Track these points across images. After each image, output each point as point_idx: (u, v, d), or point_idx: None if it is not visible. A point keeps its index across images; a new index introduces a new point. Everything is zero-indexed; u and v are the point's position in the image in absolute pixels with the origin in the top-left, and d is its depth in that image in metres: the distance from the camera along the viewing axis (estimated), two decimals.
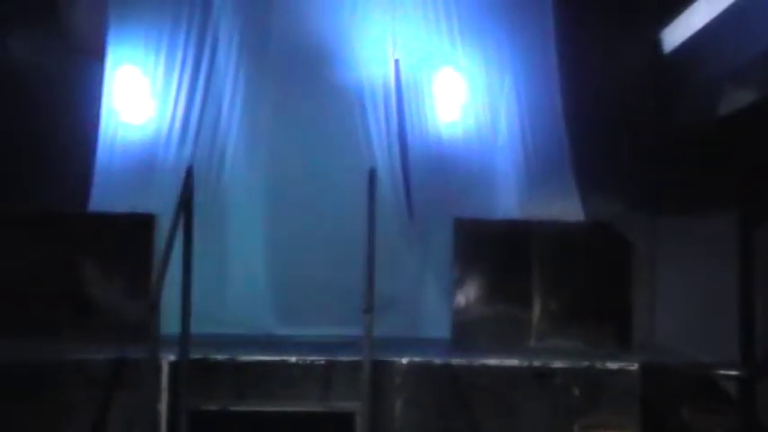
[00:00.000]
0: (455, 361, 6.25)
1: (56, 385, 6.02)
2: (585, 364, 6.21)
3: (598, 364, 6.20)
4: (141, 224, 7.04)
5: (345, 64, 7.87)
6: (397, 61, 7.96)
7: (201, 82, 7.81)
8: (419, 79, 7.92)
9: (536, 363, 6.22)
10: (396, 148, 7.87)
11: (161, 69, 7.78)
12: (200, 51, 7.82)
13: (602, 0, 7.63)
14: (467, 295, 7.19)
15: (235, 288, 7.53)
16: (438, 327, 7.34)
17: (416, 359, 6.23)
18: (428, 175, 7.83)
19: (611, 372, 6.17)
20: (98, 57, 7.72)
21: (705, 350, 6.60)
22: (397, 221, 7.69)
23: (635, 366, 6.15)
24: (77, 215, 7.32)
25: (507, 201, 7.74)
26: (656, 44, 7.54)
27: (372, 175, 6.36)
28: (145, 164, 7.65)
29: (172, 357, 6.02)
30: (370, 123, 7.85)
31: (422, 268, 7.66)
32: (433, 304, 7.57)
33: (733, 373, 6.43)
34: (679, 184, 7.29)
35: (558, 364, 6.21)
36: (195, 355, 6.08)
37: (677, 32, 7.31)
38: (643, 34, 7.64)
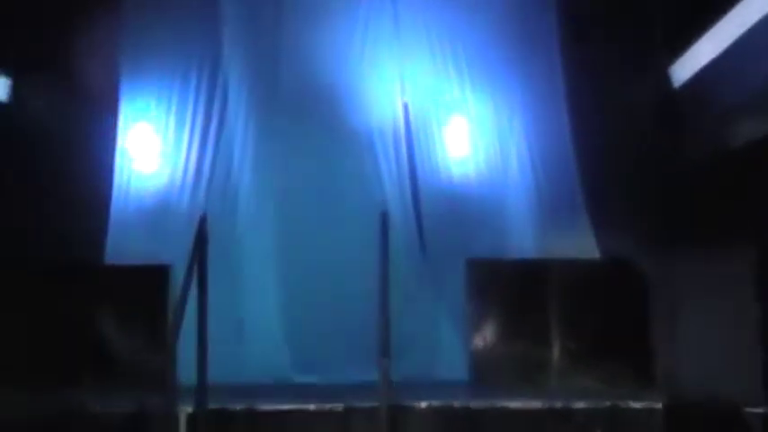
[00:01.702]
0: (474, 404, 6.17)
1: None
2: (608, 403, 6.11)
3: (621, 404, 6.10)
4: (156, 274, 7.04)
5: (355, 107, 7.90)
6: (405, 104, 7.98)
7: (213, 130, 7.86)
8: (429, 121, 7.95)
9: (557, 404, 6.13)
10: (407, 190, 7.87)
11: (173, 119, 7.84)
12: (210, 100, 7.87)
13: (611, 36, 7.63)
14: (483, 335, 7.15)
15: (251, 335, 7.50)
16: (455, 368, 7.29)
17: (435, 403, 6.16)
18: (440, 215, 7.82)
19: (635, 411, 6.07)
20: (111, 109, 7.77)
21: (728, 387, 6.50)
22: (410, 263, 7.67)
23: (659, 405, 6.06)
24: (93, 266, 7.33)
25: (521, 239, 7.71)
26: (666, 78, 7.52)
27: (384, 219, 6.35)
28: (159, 213, 7.68)
29: (189, 409, 5.96)
30: (381, 165, 7.86)
31: (437, 309, 7.63)
32: (450, 345, 7.52)
33: (758, 410, 6.32)
34: (695, 219, 7.23)
35: (580, 404, 6.12)
36: (213, 405, 6.03)
37: (686, 67, 7.30)
38: (653, 69, 7.63)
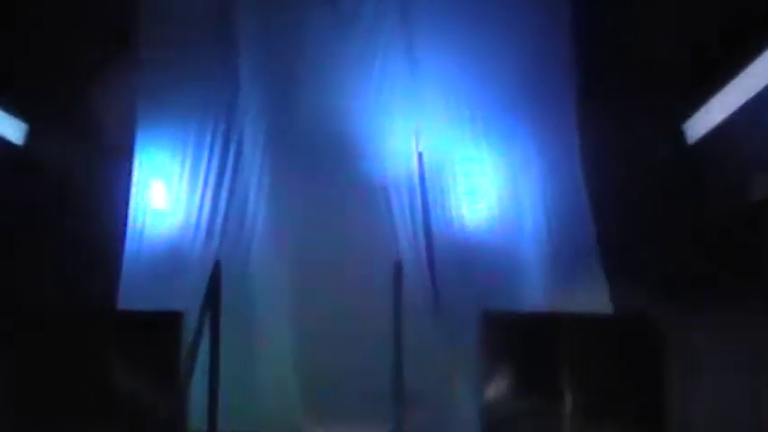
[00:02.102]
0: None
1: None
2: None
3: None
4: (169, 321, 7.00)
5: (370, 157, 7.92)
6: (420, 154, 8.02)
7: (228, 178, 7.88)
8: (443, 172, 7.96)
9: None
10: (421, 241, 7.85)
11: (188, 166, 7.87)
12: (226, 147, 7.91)
13: (627, 91, 7.67)
14: (495, 390, 7.07)
15: (263, 384, 7.44)
16: (467, 424, 7.21)
17: None
18: (454, 266, 7.79)
19: None
20: (126, 157, 7.81)
21: None
22: (423, 314, 7.61)
23: None
24: (105, 313, 7.31)
25: (534, 292, 7.68)
26: (682, 133, 7.55)
27: (398, 268, 6.34)
28: (172, 260, 7.67)
29: None
30: (396, 215, 7.86)
31: (450, 361, 7.56)
32: (463, 400, 7.44)
33: None
34: (711, 274, 7.20)
35: None
36: None
37: (701, 123, 7.34)
38: (668, 124, 7.66)
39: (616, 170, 7.62)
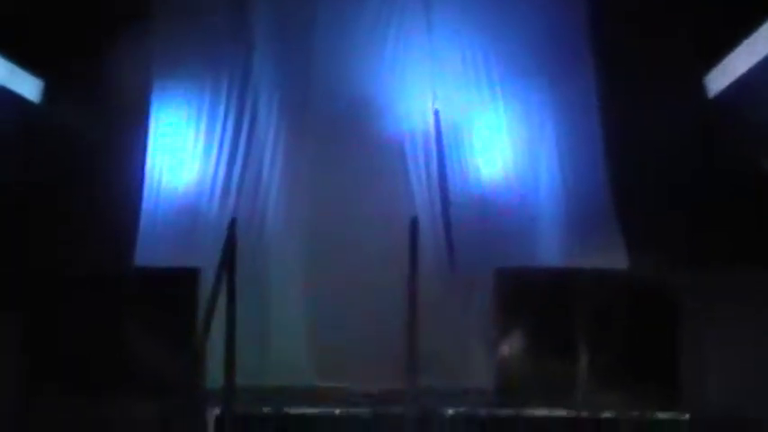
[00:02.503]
0: (501, 412, 6.16)
1: None
2: (634, 414, 6.08)
3: (647, 415, 6.07)
4: (186, 277, 7.07)
5: (385, 116, 7.91)
6: (436, 111, 7.99)
7: (244, 136, 7.90)
8: (459, 129, 7.94)
9: (584, 414, 6.11)
10: (437, 199, 7.86)
11: (204, 126, 7.89)
12: (241, 106, 7.92)
13: (646, 46, 7.59)
14: (510, 346, 7.10)
15: (277, 340, 7.52)
16: (481, 377, 7.26)
17: (462, 410, 6.15)
18: (470, 224, 7.80)
19: (661, 422, 6.04)
20: (142, 116, 7.83)
21: (755, 401, 6.44)
22: (439, 271, 7.65)
23: (685, 417, 6.02)
24: (123, 270, 7.38)
25: (549, 249, 7.68)
26: (701, 88, 7.46)
27: (414, 225, 6.36)
28: (188, 218, 7.72)
29: (217, 411, 6.00)
30: (411, 174, 7.86)
31: (464, 318, 7.60)
32: (476, 355, 7.49)
33: None
34: (727, 232, 7.17)
35: (606, 414, 6.09)
36: (239, 409, 6.06)
37: (721, 77, 7.25)
38: (687, 79, 7.57)
39: (634, 125, 7.56)
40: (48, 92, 7.60)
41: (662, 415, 6.06)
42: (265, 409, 6.18)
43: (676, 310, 7.06)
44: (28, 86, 7.46)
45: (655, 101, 7.55)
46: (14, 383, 6.85)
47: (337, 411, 6.17)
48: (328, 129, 7.85)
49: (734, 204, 7.02)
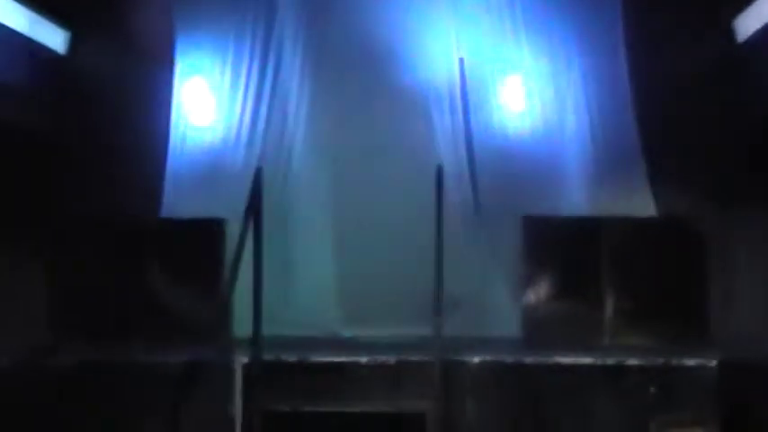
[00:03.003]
0: (527, 360, 6.17)
1: (130, 387, 6.09)
2: (661, 361, 6.07)
3: (674, 361, 6.06)
4: (211, 227, 7.11)
5: (410, 64, 7.86)
6: (461, 59, 7.91)
7: (268, 85, 7.88)
8: (484, 77, 7.88)
9: (610, 361, 6.10)
10: (462, 147, 7.82)
11: (228, 73, 7.88)
12: (265, 55, 7.89)
13: None
14: (536, 293, 7.12)
15: (303, 289, 7.56)
16: (507, 325, 7.28)
17: (488, 358, 6.16)
18: (495, 172, 7.77)
19: (689, 368, 6.02)
20: (167, 65, 7.82)
21: None
22: (464, 219, 7.64)
23: (713, 363, 6.00)
24: (149, 220, 7.43)
25: (576, 196, 7.65)
26: (730, 33, 7.33)
27: (440, 172, 6.33)
28: (214, 167, 7.75)
29: (244, 359, 6.05)
30: (436, 122, 7.82)
31: (490, 266, 7.60)
32: (502, 302, 7.50)
33: None
34: (754, 176, 7.09)
35: (632, 361, 6.08)
36: (267, 357, 6.11)
37: (750, 20, 7.10)
38: (716, 22, 7.43)
39: (662, 71, 7.46)
40: (73, 42, 7.58)
41: (689, 361, 6.03)
42: (292, 358, 6.21)
43: (703, 254, 7.03)
44: (54, 37, 7.45)
45: (683, 44, 7.43)
46: (43, 329, 6.96)
47: (364, 360, 6.19)
48: (352, 77, 7.81)
49: (762, 147, 6.92)
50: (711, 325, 6.99)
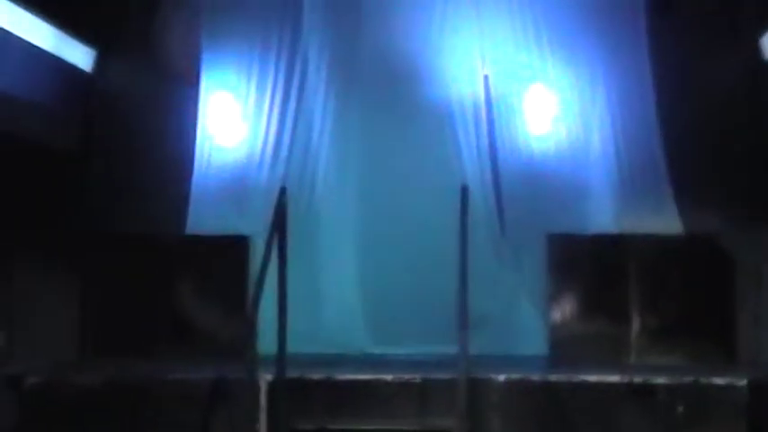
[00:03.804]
0: (553, 377, 6.13)
1: (155, 404, 6.10)
2: (690, 379, 6.01)
3: (703, 380, 5.99)
4: (236, 245, 7.13)
5: (435, 81, 7.87)
6: (486, 77, 7.92)
7: (293, 102, 7.90)
8: (509, 94, 7.87)
9: (637, 379, 6.05)
10: (487, 164, 7.81)
11: (253, 91, 7.91)
12: (290, 72, 7.91)
13: (699, 8, 7.44)
14: (562, 311, 7.08)
15: (329, 307, 7.56)
16: (533, 343, 7.26)
17: (513, 376, 6.13)
18: (520, 190, 7.75)
19: (718, 388, 5.95)
20: (192, 82, 7.87)
21: None
22: (489, 237, 7.62)
23: (743, 382, 5.92)
24: (175, 238, 7.46)
25: (602, 215, 7.61)
26: (757, 49, 7.29)
27: (465, 193, 6.31)
28: (239, 185, 7.77)
29: (269, 377, 6.04)
30: (461, 140, 7.82)
31: (515, 284, 7.58)
32: (528, 321, 7.48)
33: None
34: None
35: (660, 380, 6.03)
36: (292, 375, 6.10)
37: None
38: (742, 39, 7.40)
39: (687, 89, 7.43)
40: (99, 60, 7.64)
41: (718, 380, 5.96)
42: (317, 375, 6.19)
43: (731, 272, 6.97)
44: (80, 55, 7.51)
45: (709, 64, 7.40)
46: (72, 341, 6.99)
47: (389, 378, 6.17)
48: (377, 94, 7.83)
49: None
50: (740, 343, 6.92)
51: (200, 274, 7.15)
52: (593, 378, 6.08)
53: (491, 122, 7.87)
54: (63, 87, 7.23)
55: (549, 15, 7.79)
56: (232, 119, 7.92)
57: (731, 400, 5.90)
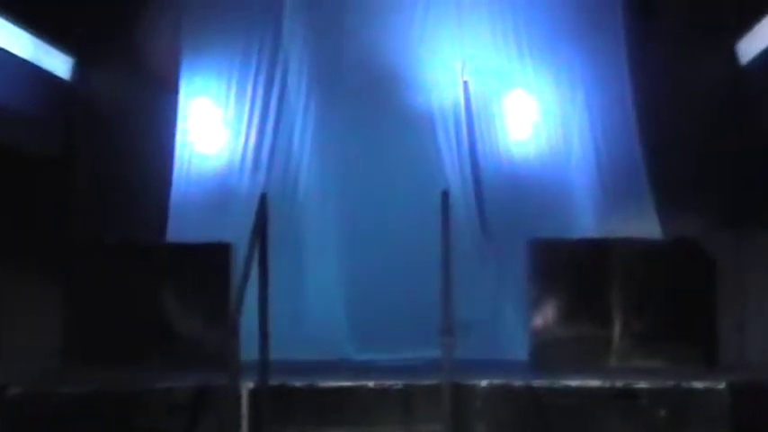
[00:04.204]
0: (536, 382, 6.13)
1: (138, 413, 6.06)
2: (671, 384, 6.03)
3: (684, 384, 6.01)
4: (218, 253, 7.10)
5: (415, 87, 7.89)
6: (466, 82, 7.93)
7: (273, 109, 7.90)
8: (489, 100, 7.89)
9: (619, 383, 6.06)
10: (468, 170, 7.83)
11: (233, 98, 7.90)
12: (271, 79, 7.91)
13: (679, 13, 7.49)
14: (545, 316, 7.08)
15: (311, 313, 7.55)
16: (516, 348, 7.25)
17: (497, 381, 6.12)
18: (502, 195, 7.77)
19: (699, 392, 5.97)
20: (172, 88, 7.84)
21: None
22: (471, 243, 7.63)
23: (722, 386, 5.95)
24: (156, 245, 7.42)
25: (583, 220, 7.64)
26: (734, 54, 7.35)
27: (446, 197, 6.31)
28: (219, 193, 7.76)
29: (251, 384, 6.02)
30: (442, 146, 7.83)
31: (498, 289, 7.59)
32: (511, 326, 7.48)
33: None
34: (761, 197, 7.08)
35: (642, 384, 6.04)
36: (274, 382, 6.07)
37: (754, 43, 7.13)
38: (719, 44, 7.46)
39: (667, 94, 7.48)
40: (80, 67, 7.60)
41: (699, 384, 5.98)
42: (299, 382, 6.17)
43: (713, 276, 7.00)
44: (59, 63, 7.47)
45: (689, 68, 7.45)
46: (53, 350, 6.95)
47: (372, 384, 6.15)
48: (358, 100, 7.83)
49: (766, 168, 6.93)
50: (722, 347, 6.96)
51: (181, 282, 7.11)
52: (575, 383, 6.08)
53: (471, 128, 7.89)
54: (43, 95, 7.19)
55: (529, 21, 7.84)
56: (212, 125, 7.90)
57: (713, 403, 5.91)
